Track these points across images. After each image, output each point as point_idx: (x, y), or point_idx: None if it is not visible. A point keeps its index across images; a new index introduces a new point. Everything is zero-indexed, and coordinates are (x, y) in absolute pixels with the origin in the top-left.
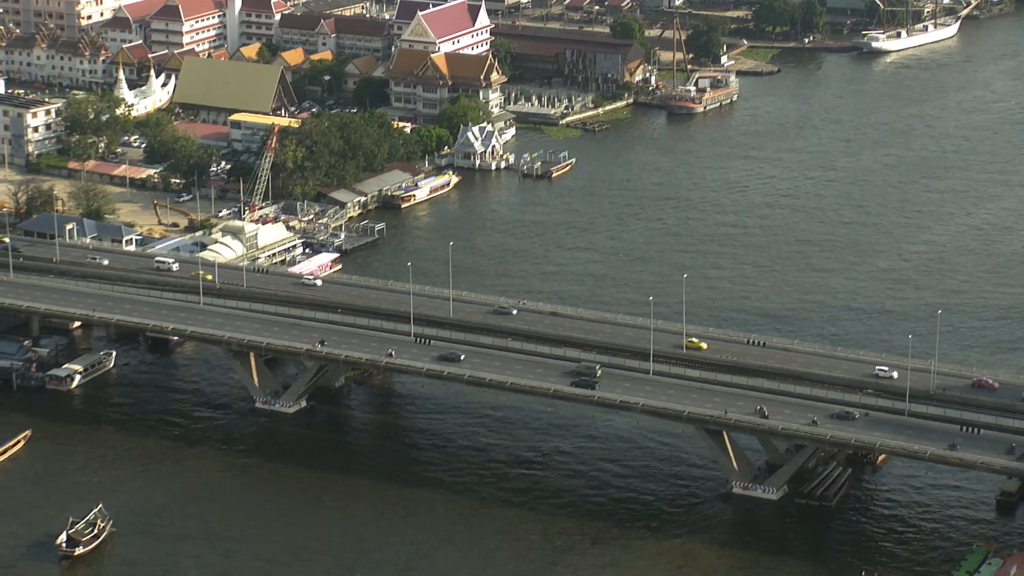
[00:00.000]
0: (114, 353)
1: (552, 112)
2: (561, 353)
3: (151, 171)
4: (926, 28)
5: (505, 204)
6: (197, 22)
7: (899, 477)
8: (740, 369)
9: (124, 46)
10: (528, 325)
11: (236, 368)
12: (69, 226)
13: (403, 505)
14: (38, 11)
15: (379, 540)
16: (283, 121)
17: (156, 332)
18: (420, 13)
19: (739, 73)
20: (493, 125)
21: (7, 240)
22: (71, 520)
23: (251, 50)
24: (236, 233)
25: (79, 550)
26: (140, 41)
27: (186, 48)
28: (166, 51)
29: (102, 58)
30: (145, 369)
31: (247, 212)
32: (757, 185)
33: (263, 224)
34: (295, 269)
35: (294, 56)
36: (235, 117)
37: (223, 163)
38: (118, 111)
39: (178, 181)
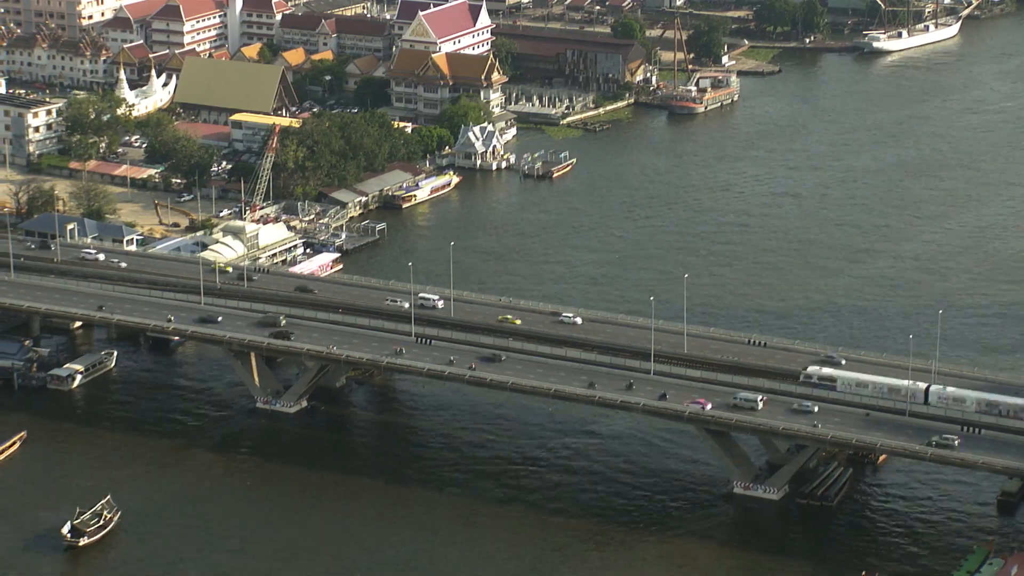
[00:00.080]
0: (115, 353)
1: (553, 112)
2: (562, 353)
3: (152, 171)
4: (927, 28)
5: (506, 204)
6: (198, 22)
7: (900, 477)
8: (741, 369)
9: (125, 46)
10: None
11: (237, 368)
12: (70, 226)
13: (404, 505)
14: (39, 11)
15: (379, 540)
16: (284, 121)
17: (157, 332)
18: (421, 13)
19: (740, 73)
20: (494, 125)
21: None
22: (77, 510)
23: (252, 50)
24: (237, 233)
25: (83, 540)
26: (141, 41)
27: (187, 48)
28: (167, 51)
29: (103, 58)
30: (146, 369)
31: (248, 212)
32: (758, 185)
33: (264, 224)
34: (296, 269)
35: (295, 56)
36: (236, 117)
37: (224, 163)
38: (119, 111)
39: (179, 181)
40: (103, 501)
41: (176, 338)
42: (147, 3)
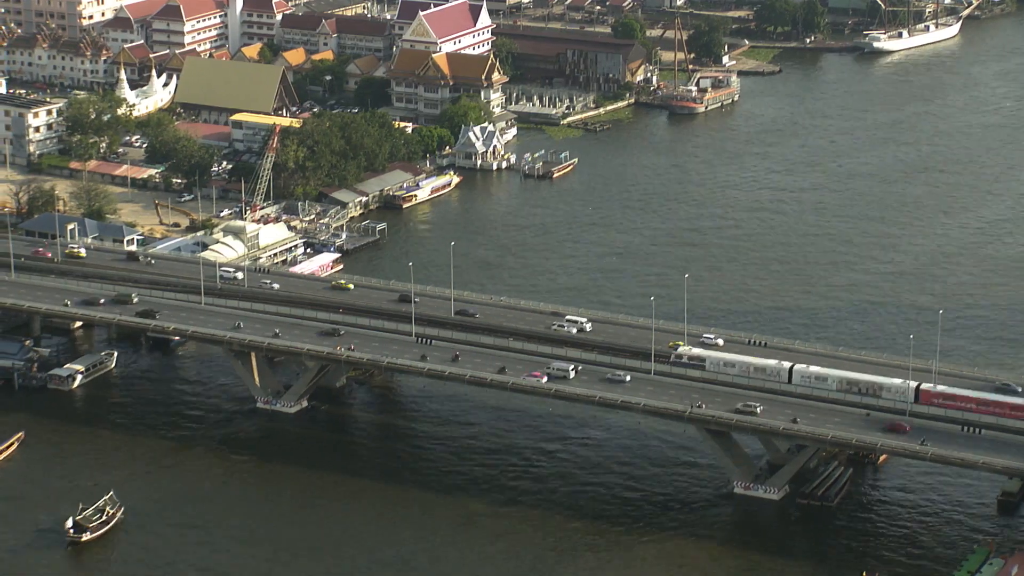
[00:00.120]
0: (115, 353)
1: (553, 112)
2: (563, 353)
3: (152, 171)
4: (927, 28)
5: (506, 204)
6: (198, 22)
7: (900, 477)
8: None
9: (125, 46)
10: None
11: (237, 368)
12: (70, 226)
13: (403, 505)
14: (39, 11)
15: (379, 540)
16: (284, 121)
17: (158, 332)
18: (421, 13)
19: (740, 73)
20: (494, 125)
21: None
22: (80, 506)
23: (252, 50)
24: (237, 233)
25: (86, 536)
26: (141, 41)
27: (187, 48)
28: (167, 51)
29: (103, 58)
30: (146, 369)
31: (248, 212)
32: (758, 185)
33: (264, 224)
34: (296, 269)
35: (295, 56)
36: (236, 117)
37: (224, 163)
38: (119, 111)
39: (179, 181)
40: (106, 497)
41: (176, 338)
42: (147, 3)
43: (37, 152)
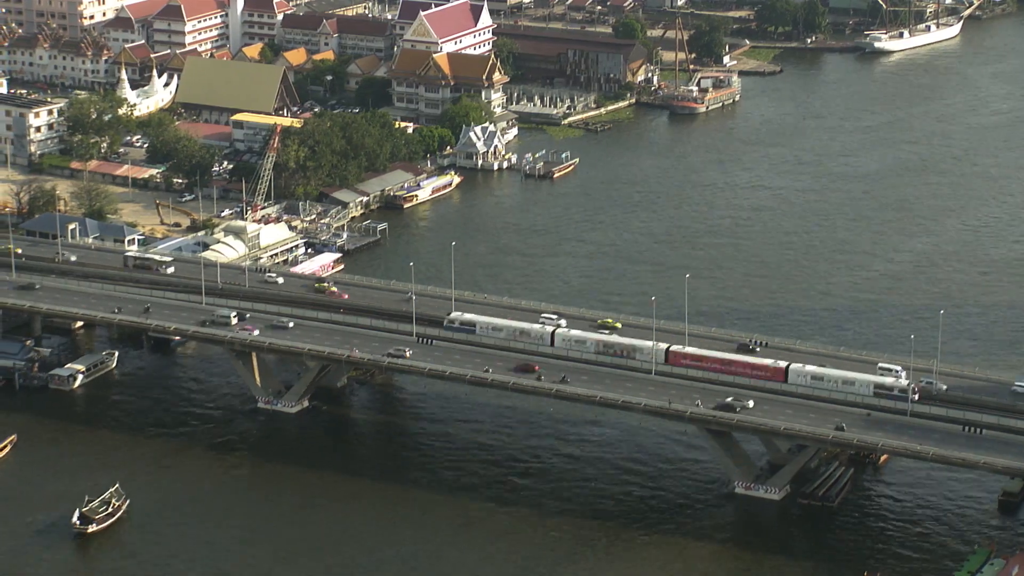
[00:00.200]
0: (116, 353)
1: (554, 112)
2: (563, 353)
3: (153, 171)
4: (928, 28)
5: (507, 204)
6: (199, 22)
7: (901, 477)
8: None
9: (126, 46)
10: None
11: (238, 368)
12: (71, 226)
13: (404, 505)
14: (40, 11)
15: (380, 540)
16: (285, 121)
17: (158, 332)
18: (422, 13)
19: (741, 73)
20: (495, 125)
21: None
22: (86, 498)
23: (253, 50)
24: (238, 233)
25: (92, 528)
26: (142, 41)
27: (188, 48)
28: (168, 51)
29: (104, 58)
30: (147, 369)
31: (249, 212)
32: (759, 185)
33: (265, 224)
34: (297, 269)
35: (296, 56)
36: (237, 117)
37: (225, 163)
38: (120, 111)
39: (180, 181)
40: (112, 489)
41: (177, 338)
42: (148, 3)
43: (38, 152)
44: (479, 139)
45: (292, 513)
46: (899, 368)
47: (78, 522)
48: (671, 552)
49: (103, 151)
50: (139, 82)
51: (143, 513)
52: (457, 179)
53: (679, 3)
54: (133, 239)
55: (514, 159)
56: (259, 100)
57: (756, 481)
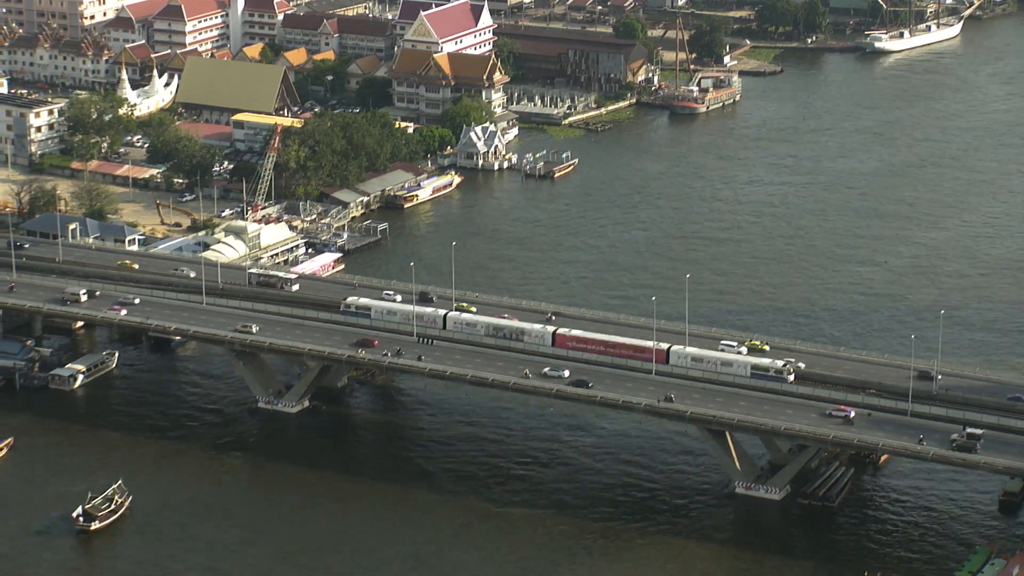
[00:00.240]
0: (117, 353)
1: (555, 112)
2: (564, 353)
3: (154, 171)
4: (929, 28)
5: (508, 204)
6: (200, 22)
7: (901, 477)
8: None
9: (127, 46)
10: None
11: (238, 368)
12: (72, 226)
13: (404, 505)
14: (41, 11)
15: (380, 540)
16: (286, 121)
17: (159, 332)
18: (423, 13)
19: (742, 73)
20: (496, 125)
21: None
22: (89, 495)
23: (254, 50)
24: (239, 233)
25: (95, 524)
26: (143, 41)
27: (189, 48)
28: (169, 51)
29: (105, 58)
30: (148, 369)
31: (250, 212)
32: (759, 185)
33: (266, 224)
34: (297, 269)
35: (297, 56)
36: (238, 117)
37: (226, 163)
38: (121, 111)
39: (181, 181)
40: (115, 486)
41: (177, 338)
42: (149, 3)
43: (39, 152)
44: (479, 139)
45: (292, 513)
46: (735, 343)
47: (81, 519)
48: (671, 552)
49: (104, 151)
50: (140, 82)
51: (143, 513)
52: (457, 179)
53: (680, 3)
54: (134, 239)
55: (514, 159)
56: (260, 100)
57: (756, 481)
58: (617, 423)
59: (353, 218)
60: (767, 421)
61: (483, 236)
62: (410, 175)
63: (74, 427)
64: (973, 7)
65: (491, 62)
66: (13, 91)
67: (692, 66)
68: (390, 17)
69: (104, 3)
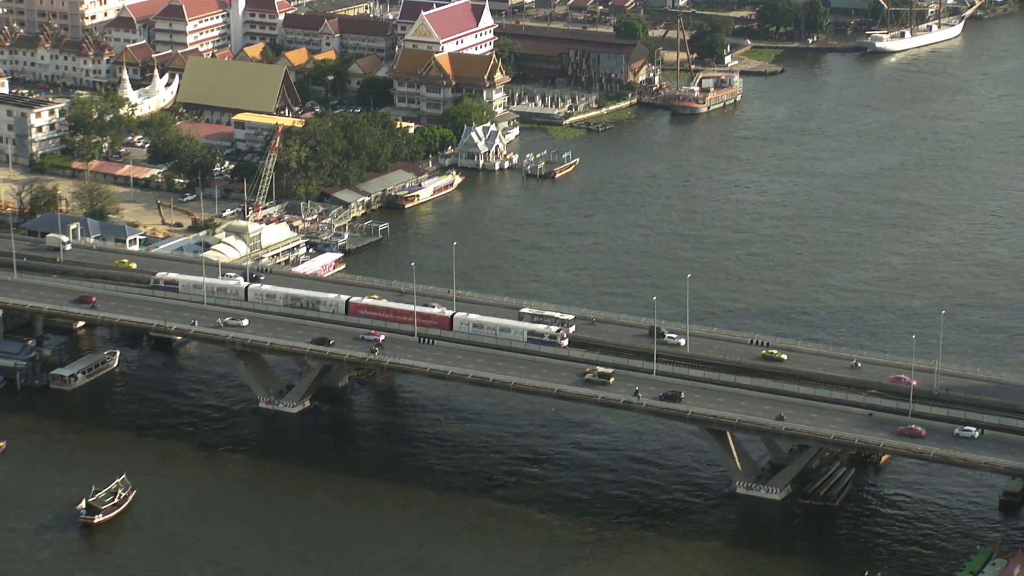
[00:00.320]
0: (118, 353)
1: (556, 112)
2: (564, 353)
3: (155, 171)
4: (930, 28)
5: (508, 204)
6: (201, 22)
7: (902, 477)
8: (744, 369)
9: (128, 46)
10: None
11: (239, 368)
12: (73, 226)
13: (405, 505)
14: (42, 11)
15: (380, 540)
16: (287, 121)
17: (160, 332)
18: (424, 13)
19: (743, 73)
20: (497, 125)
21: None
22: (93, 488)
23: (255, 50)
24: (240, 233)
25: (98, 518)
26: (144, 41)
27: (190, 48)
28: (170, 51)
29: (106, 58)
30: (149, 369)
31: (251, 212)
32: (760, 185)
33: (267, 224)
34: (298, 269)
35: (298, 56)
36: (239, 117)
37: (227, 163)
38: (122, 111)
39: (182, 181)
40: (119, 480)
41: (179, 338)
42: (150, 3)
43: (39, 152)
44: (480, 139)
45: (292, 513)
46: (532, 311)
47: (84, 512)
48: (672, 552)
49: (104, 151)
50: (140, 82)
51: (144, 513)
52: (458, 179)
53: (680, 3)
54: (135, 239)
55: (515, 159)
56: (260, 100)
57: (757, 481)
58: (618, 423)
59: (354, 218)
60: (768, 421)
61: (484, 236)
62: (411, 175)
63: (75, 427)
64: (974, 7)
65: (492, 62)
66: (14, 91)
67: (693, 66)
68: (391, 17)
69: (105, 3)
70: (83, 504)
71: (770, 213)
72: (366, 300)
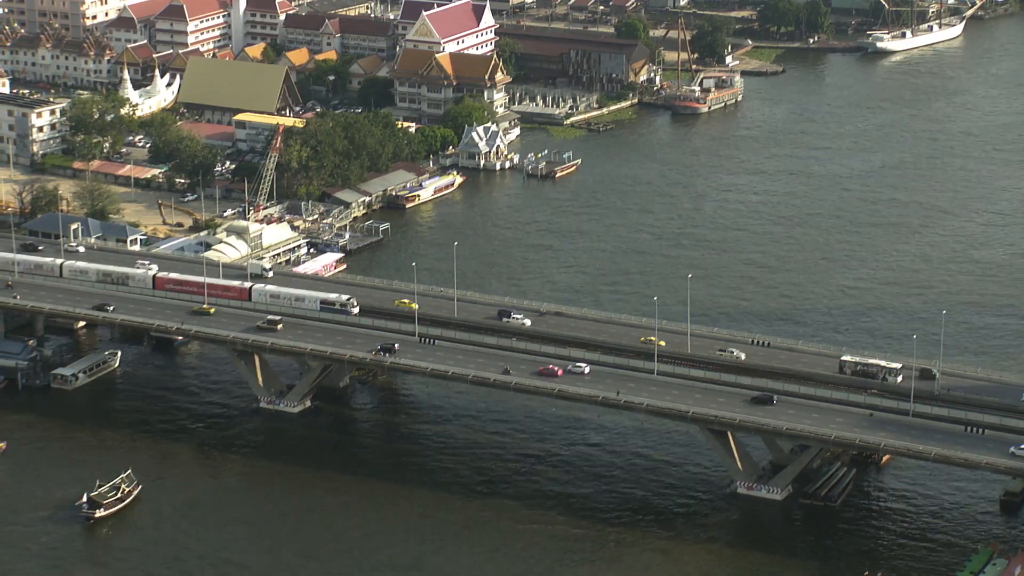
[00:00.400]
0: (119, 353)
1: (556, 112)
2: (566, 353)
3: (156, 171)
4: (931, 28)
5: (509, 204)
6: (202, 22)
7: (903, 477)
8: (744, 369)
9: (129, 46)
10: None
11: (240, 368)
12: (74, 226)
13: (405, 505)
14: (43, 11)
15: (381, 540)
16: (287, 121)
17: (161, 332)
18: (425, 13)
19: (744, 73)
20: (497, 125)
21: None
22: (97, 483)
23: (256, 50)
24: (241, 233)
25: (99, 512)
26: (145, 41)
27: (191, 48)
28: (171, 51)
29: (107, 58)
30: (149, 369)
31: (252, 212)
32: (760, 185)
33: (268, 224)
34: (299, 269)
35: (299, 56)
36: (240, 117)
37: (228, 163)
38: (123, 111)
39: (183, 181)
40: (123, 475)
41: (180, 338)
42: (151, 3)
43: (40, 152)
44: (481, 139)
45: (292, 513)
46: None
47: (86, 506)
48: (672, 552)
49: (105, 151)
50: (141, 82)
51: (144, 513)
52: (459, 179)
53: (681, 3)
54: (136, 239)
55: (516, 159)
56: (261, 100)
57: (758, 481)
58: (618, 423)
59: (355, 218)
60: (769, 421)
61: (485, 236)
62: (412, 175)
63: (75, 427)
64: (975, 7)
65: (493, 62)
66: (15, 91)
67: (694, 66)
68: (392, 17)
69: (106, 3)
70: (84, 498)
71: (771, 213)
72: (172, 275)
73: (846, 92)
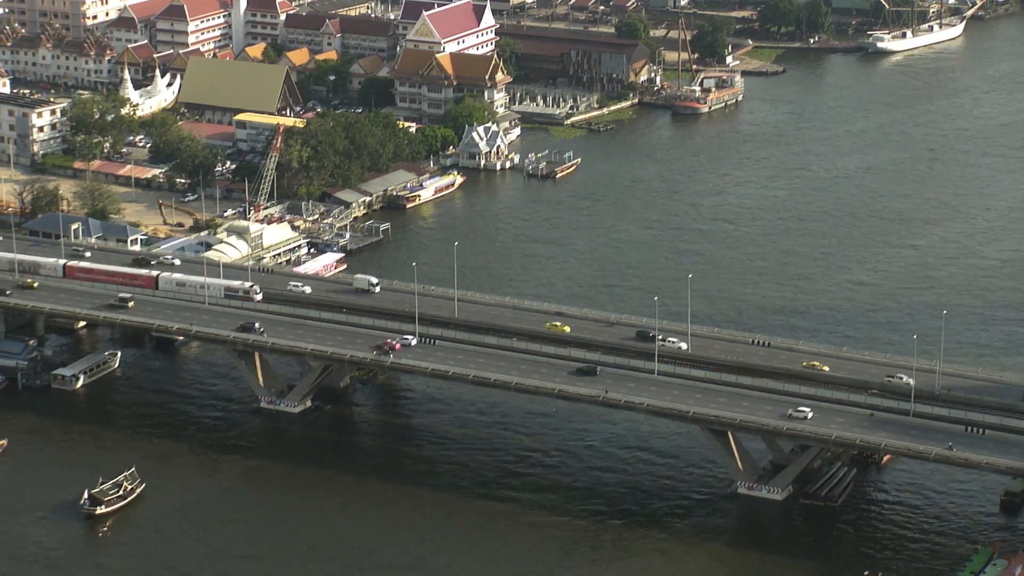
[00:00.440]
0: (119, 353)
1: (557, 112)
2: (566, 353)
3: (156, 171)
4: (931, 28)
5: (510, 204)
6: (202, 22)
7: (903, 477)
8: (745, 369)
9: (129, 46)
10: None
11: (241, 368)
12: (74, 226)
13: (406, 505)
14: (43, 11)
15: (381, 540)
16: (288, 121)
17: (161, 332)
18: (425, 13)
19: (744, 73)
20: (498, 125)
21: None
22: (100, 480)
23: (256, 50)
24: (241, 233)
25: (101, 509)
26: (145, 41)
27: (191, 48)
28: (171, 51)
29: (107, 58)
30: (150, 369)
31: (252, 212)
32: (761, 185)
33: (268, 224)
34: (300, 269)
35: (299, 56)
36: (240, 117)
37: (228, 163)
38: (123, 111)
39: (183, 181)
40: (127, 473)
41: (180, 338)
42: (151, 3)
43: (41, 152)
44: (482, 139)
45: (292, 513)
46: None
47: (87, 503)
48: (673, 552)
49: (106, 151)
50: (142, 82)
51: (144, 512)
52: (460, 179)
53: (682, 3)
54: (136, 239)
55: (517, 159)
56: (262, 100)
57: (759, 481)
58: (619, 423)
59: (355, 218)
60: (769, 421)
61: (485, 236)
62: (412, 175)
63: (75, 427)
64: (976, 7)
65: (493, 62)
66: (16, 91)
67: (694, 66)
68: (392, 17)
69: (107, 3)
70: (85, 495)
71: (771, 212)
72: (81, 264)
73: (846, 92)
